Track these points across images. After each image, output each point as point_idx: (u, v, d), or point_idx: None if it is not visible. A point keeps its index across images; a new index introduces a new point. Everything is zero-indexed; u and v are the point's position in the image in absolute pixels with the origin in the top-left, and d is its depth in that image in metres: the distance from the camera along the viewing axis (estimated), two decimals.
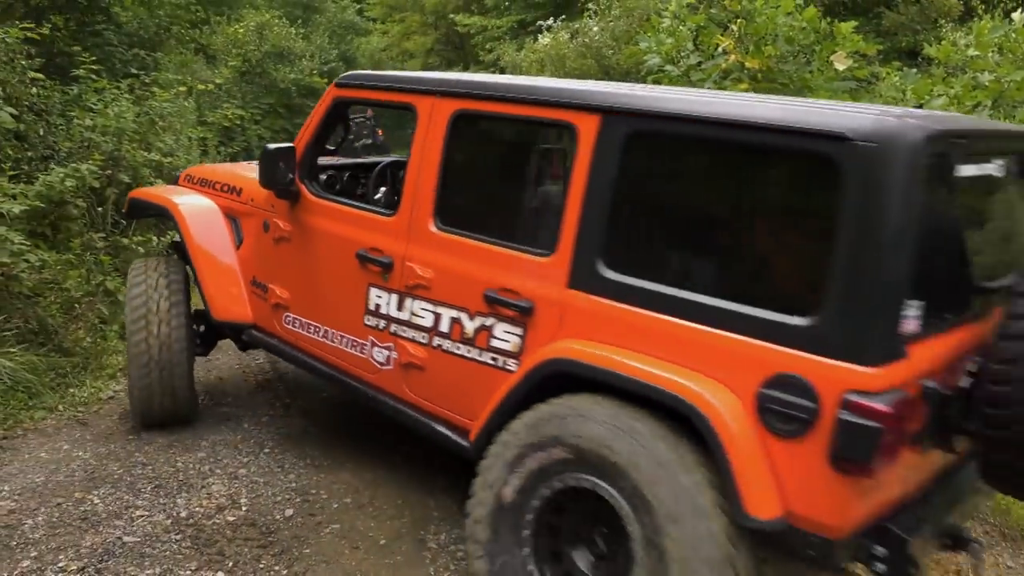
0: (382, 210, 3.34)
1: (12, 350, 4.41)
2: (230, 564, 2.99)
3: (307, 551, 3.09)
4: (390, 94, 3.32)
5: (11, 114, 5.59)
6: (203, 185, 4.20)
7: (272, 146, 3.39)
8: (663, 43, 6.03)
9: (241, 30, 15.98)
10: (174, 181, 4.64)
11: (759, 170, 2.43)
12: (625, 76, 13.15)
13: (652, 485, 2.22)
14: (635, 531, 2.26)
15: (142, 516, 3.30)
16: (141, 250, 6.27)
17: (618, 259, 2.53)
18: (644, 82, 10.79)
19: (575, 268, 2.60)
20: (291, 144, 3.48)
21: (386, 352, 3.17)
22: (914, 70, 6.57)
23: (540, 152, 3.23)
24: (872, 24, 14.61)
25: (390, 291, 3.12)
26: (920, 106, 5.18)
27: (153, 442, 3.99)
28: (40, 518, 3.26)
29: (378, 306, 3.17)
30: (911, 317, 2.12)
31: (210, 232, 3.87)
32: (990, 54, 5.49)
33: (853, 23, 5.71)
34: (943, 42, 6.98)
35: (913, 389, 2.13)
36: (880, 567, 2.21)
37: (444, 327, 2.95)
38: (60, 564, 2.94)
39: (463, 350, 2.91)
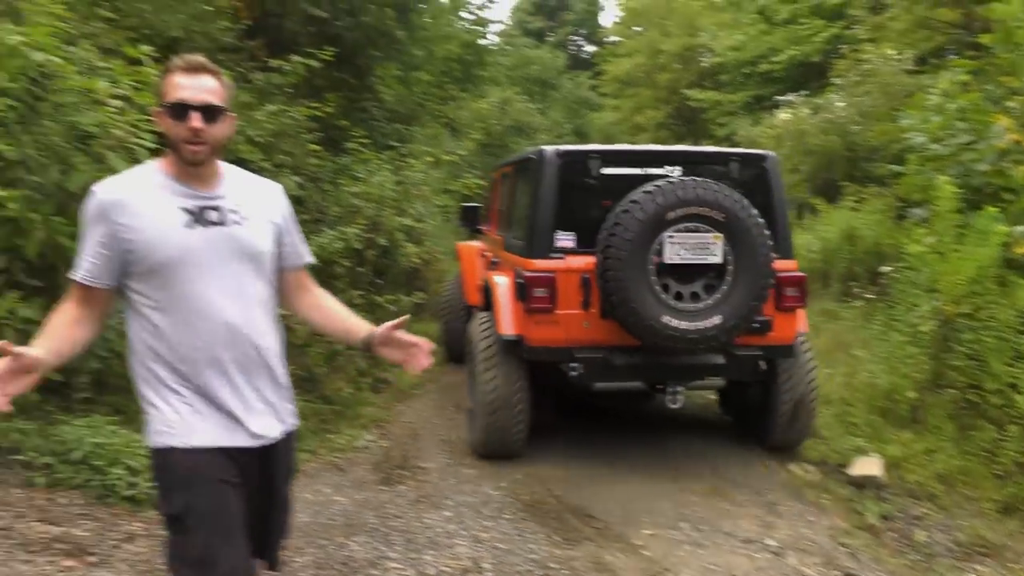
0: None
1: None
2: None
3: None
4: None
5: (297, 182, 6.27)
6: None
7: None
8: (928, 121, 5.60)
9: (486, 105, 17.05)
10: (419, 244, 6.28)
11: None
12: (872, 153, 12.44)
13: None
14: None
15: (395, 569, 3.44)
16: (393, 308, 6.70)
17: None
18: (898, 161, 10.11)
19: None
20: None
21: None
22: None
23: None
24: None
25: None
26: None
27: (403, 496, 4.19)
28: (308, 557, 3.50)
29: None
30: (563, 240, 4.52)
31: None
32: None
33: None
34: None
35: (567, 276, 4.45)
36: (573, 373, 4.42)
37: None
38: None
39: None
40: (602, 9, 50.61)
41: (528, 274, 4.44)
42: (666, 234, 4.19)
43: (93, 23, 5.12)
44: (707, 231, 4.22)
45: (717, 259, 4.24)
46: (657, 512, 4.01)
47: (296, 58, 7.44)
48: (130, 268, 1.89)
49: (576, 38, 49.95)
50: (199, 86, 1.86)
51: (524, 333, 4.50)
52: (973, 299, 4.77)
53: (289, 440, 2.13)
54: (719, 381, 4.84)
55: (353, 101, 11.18)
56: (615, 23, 44.39)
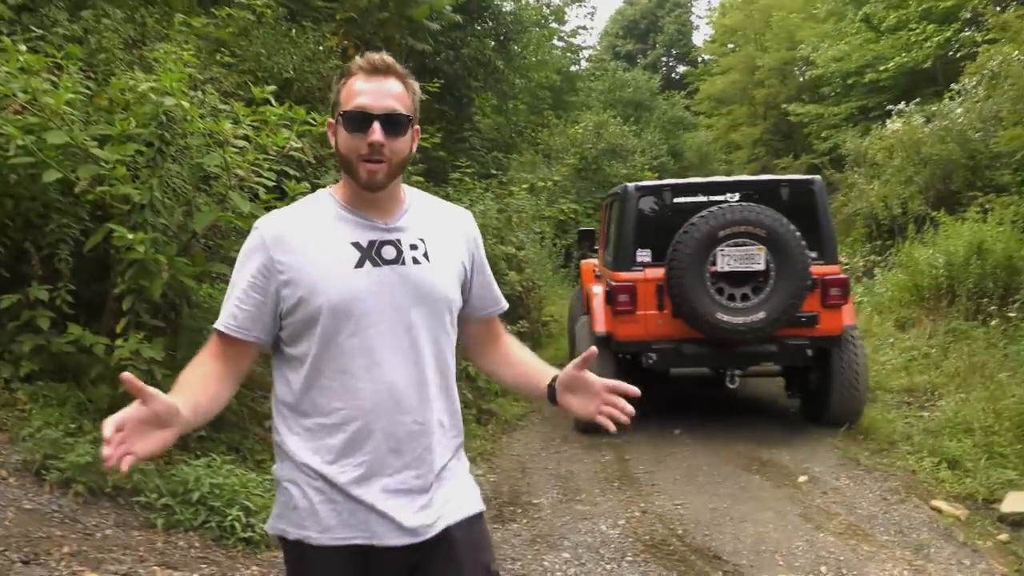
0: None
1: None
2: None
3: None
4: None
5: None
6: None
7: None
8: None
9: (580, 130, 17.00)
10: (520, 272, 7.27)
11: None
12: (995, 160, 11.71)
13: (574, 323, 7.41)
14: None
15: None
16: None
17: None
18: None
19: None
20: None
21: None
22: None
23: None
24: None
25: None
26: None
27: (518, 535, 4.06)
28: None
29: None
30: (642, 256, 5.67)
31: None
32: None
33: None
34: None
35: (645, 284, 5.55)
36: (650, 361, 5.54)
37: None
38: None
39: None
40: (695, 28, 50.15)
41: (614, 283, 5.71)
42: (719, 248, 5.32)
43: (214, 69, 5.31)
44: (752, 244, 5.31)
45: (760, 267, 5.32)
46: (792, 554, 3.74)
47: None
48: (284, 317, 1.55)
49: (667, 59, 49.56)
50: (383, 91, 1.52)
51: (612, 330, 5.69)
52: None
53: (470, 531, 1.63)
54: (773, 367, 5.99)
55: (452, 132, 11.34)
56: (707, 42, 43.85)
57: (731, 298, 5.34)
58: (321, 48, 6.84)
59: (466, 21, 10.98)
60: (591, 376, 1.66)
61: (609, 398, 1.64)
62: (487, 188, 8.95)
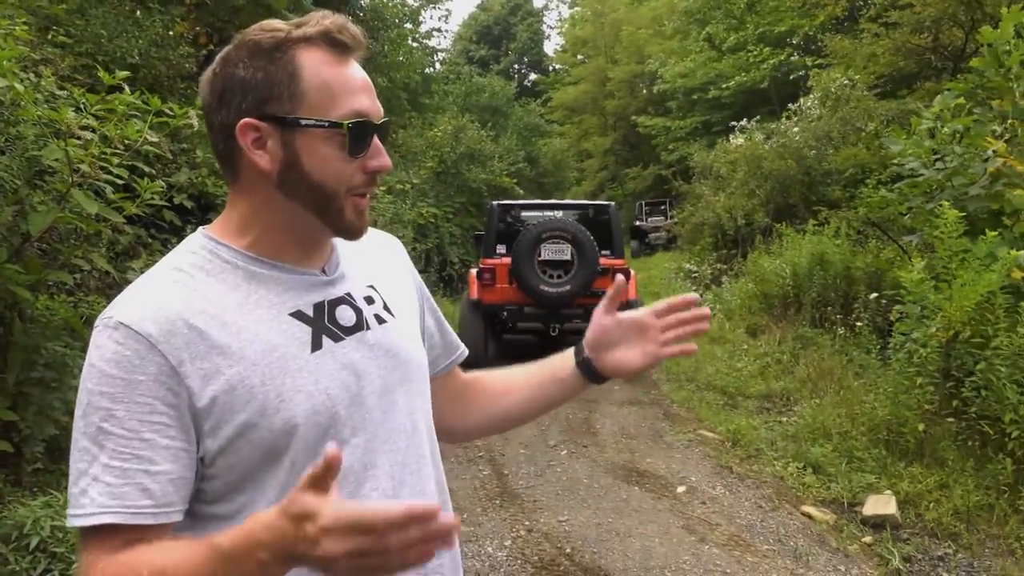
0: None
1: None
2: None
3: None
4: None
5: None
6: None
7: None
8: (921, 145, 5.52)
9: (440, 133, 16.80)
10: None
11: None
12: (826, 176, 12.58)
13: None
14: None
15: None
16: None
17: None
18: (854, 184, 10.23)
19: None
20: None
21: None
22: None
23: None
24: None
25: None
26: None
27: None
28: None
29: None
30: (500, 249, 8.49)
31: None
32: None
33: None
34: None
35: (501, 267, 8.22)
36: (503, 316, 8.18)
37: None
38: None
39: None
40: (547, 37, 51.11)
41: (482, 267, 8.37)
42: (542, 245, 7.99)
43: (47, 50, 4.70)
44: (563, 243, 8.02)
45: (568, 257, 8.03)
46: (681, 569, 3.72)
47: None
48: (209, 465, 0.97)
49: (520, 66, 50.36)
50: (368, 84, 1.04)
51: (481, 297, 8.16)
52: (980, 327, 4.66)
53: None
54: (582, 323, 7.69)
55: None
56: (558, 51, 44.92)
57: (550, 277, 8.04)
58: (171, 33, 6.26)
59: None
60: (631, 314, 1.26)
61: (668, 321, 1.27)
62: None
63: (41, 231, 3.29)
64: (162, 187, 3.69)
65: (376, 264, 1.19)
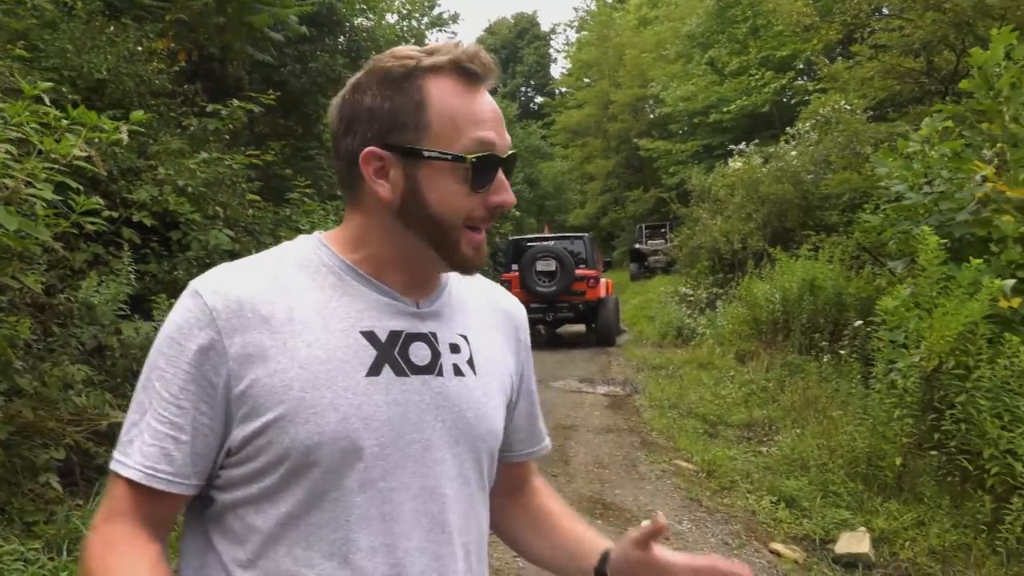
0: None
1: None
2: None
3: None
4: None
5: (228, 235, 5.77)
6: None
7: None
8: (910, 168, 5.35)
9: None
10: None
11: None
12: (824, 201, 12.43)
13: None
14: None
15: None
16: None
17: None
18: (852, 209, 10.06)
19: None
20: None
21: None
22: None
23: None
24: None
25: None
26: None
27: None
28: None
29: None
30: (514, 264, 13.37)
31: None
32: None
33: None
34: None
35: (513, 277, 12.66)
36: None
37: None
38: None
39: None
40: (553, 61, 51.47)
41: (503, 277, 12.41)
42: (537, 261, 12.39)
43: (5, 63, 4.61)
44: (551, 259, 12.40)
45: (553, 269, 12.34)
46: None
47: (236, 103, 7.01)
48: (233, 454, 0.94)
49: (527, 89, 50.62)
50: (499, 114, 0.99)
51: None
52: (961, 357, 4.47)
53: None
54: (569, 314, 12.69)
55: (299, 149, 10.76)
56: (564, 75, 45.11)
57: (542, 282, 12.33)
58: (140, 48, 6.18)
59: (316, 35, 10.49)
60: (667, 556, 1.07)
61: None
62: (336, 210, 8.47)
63: None
64: (99, 204, 3.56)
65: (483, 319, 1.11)
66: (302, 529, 0.91)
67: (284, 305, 0.94)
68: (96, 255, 5.03)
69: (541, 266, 12.17)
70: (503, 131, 0.98)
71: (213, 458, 0.94)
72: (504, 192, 0.98)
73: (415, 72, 0.95)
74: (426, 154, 0.94)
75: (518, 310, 1.19)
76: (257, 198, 7.11)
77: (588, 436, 6.58)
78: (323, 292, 0.97)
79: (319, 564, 0.91)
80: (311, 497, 0.91)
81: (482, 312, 1.11)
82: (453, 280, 1.08)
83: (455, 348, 1.03)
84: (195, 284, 0.95)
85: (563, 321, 12.84)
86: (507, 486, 1.20)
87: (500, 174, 0.98)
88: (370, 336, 0.96)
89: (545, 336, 13.72)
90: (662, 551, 1.08)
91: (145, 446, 0.92)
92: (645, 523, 1.08)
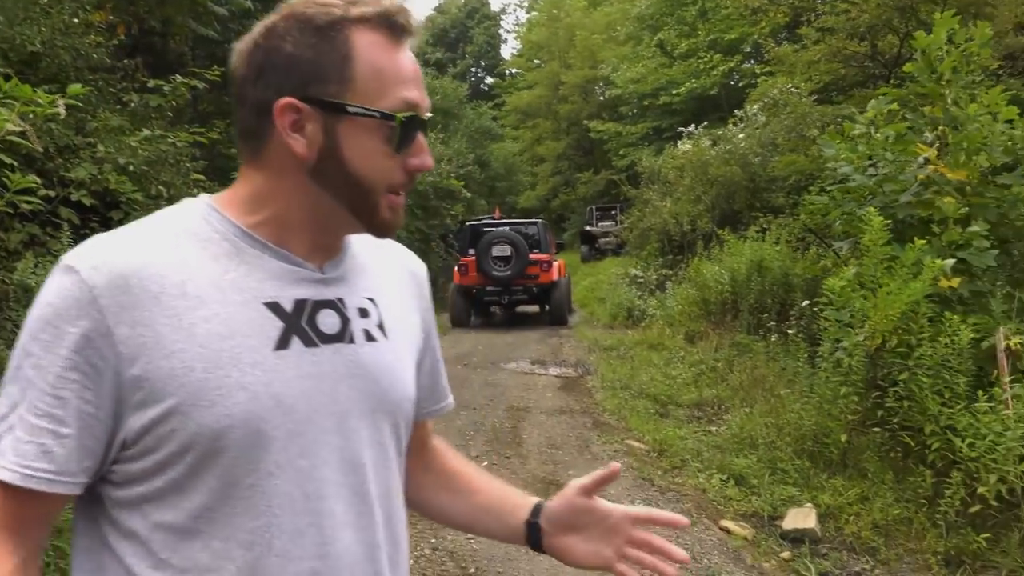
0: None
1: None
2: None
3: None
4: None
5: None
6: None
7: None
8: (855, 151, 5.44)
9: None
10: None
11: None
12: (771, 183, 12.63)
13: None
14: None
15: None
16: None
17: None
18: (798, 191, 10.25)
19: None
20: None
21: None
22: None
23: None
24: None
25: None
26: None
27: None
28: None
29: None
30: (471, 248, 13.84)
31: None
32: None
33: None
34: None
35: (470, 261, 13.28)
36: (475, 293, 13.36)
37: None
38: None
39: None
40: (504, 42, 51.10)
41: (461, 261, 13.40)
42: (493, 246, 12.85)
43: None
44: (506, 244, 12.88)
45: (508, 254, 12.76)
46: None
47: (179, 78, 6.80)
48: (129, 447, 0.86)
49: (476, 69, 50.26)
50: (421, 75, 0.95)
51: (460, 282, 13.06)
52: (904, 335, 4.58)
53: None
54: (524, 296, 13.34)
55: None
56: (515, 55, 44.90)
57: (499, 266, 12.74)
58: (76, 20, 5.93)
59: (261, 10, 10.21)
60: (606, 505, 1.08)
61: (639, 536, 1.07)
62: None
63: None
64: (35, 182, 3.42)
65: (387, 280, 1.05)
66: (219, 521, 0.85)
67: (175, 279, 0.85)
68: (32, 235, 4.84)
69: (497, 251, 12.73)
70: (424, 91, 0.93)
71: (103, 452, 0.85)
72: (423, 155, 0.93)
73: (341, 21, 0.88)
74: (351, 110, 0.87)
75: (419, 267, 1.15)
76: (202, 177, 6.91)
77: (541, 418, 6.60)
78: (217, 262, 0.88)
79: (240, 556, 0.85)
80: (225, 485, 0.85)
81: (386, 273, 1.06)
82: (354, 241, 1.01)
83: (364, 313, 0.97)
84: (69, 259, 0.85)
85: (518, 303, 13.67)
86: (409, 448, 1.11)
87: (421, 136, 0.93)
88: (274, 307, 0.89)
89: (500, 316, 14.63)
90: (603, 501, 1.09)
91: (19, 443, 0.82)
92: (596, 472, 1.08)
